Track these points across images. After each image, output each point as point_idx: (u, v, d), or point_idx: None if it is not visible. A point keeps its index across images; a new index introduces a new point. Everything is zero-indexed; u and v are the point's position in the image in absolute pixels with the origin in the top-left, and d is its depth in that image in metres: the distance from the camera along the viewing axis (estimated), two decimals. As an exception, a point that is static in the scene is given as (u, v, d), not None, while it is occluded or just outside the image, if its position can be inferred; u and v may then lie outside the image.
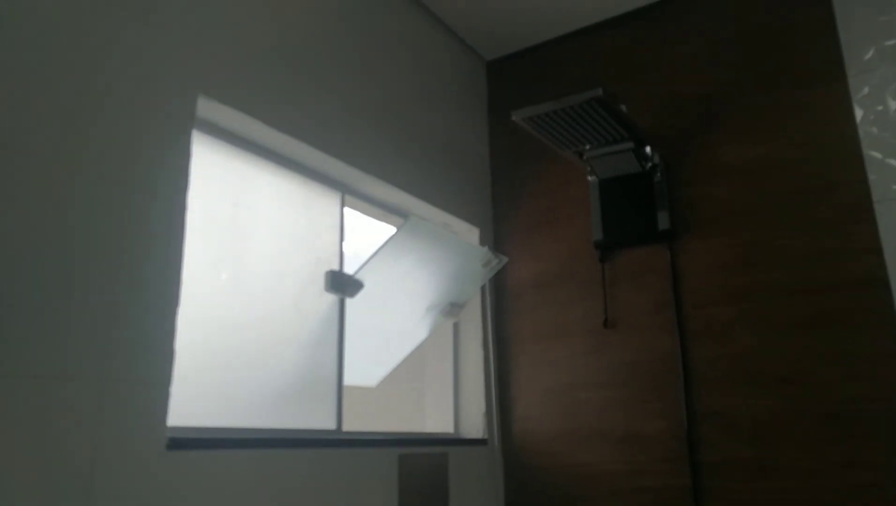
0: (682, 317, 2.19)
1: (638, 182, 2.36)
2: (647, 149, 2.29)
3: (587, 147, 2.26)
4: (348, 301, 2.03)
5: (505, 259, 2.40)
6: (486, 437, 2.38)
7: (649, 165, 2.32)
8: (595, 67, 2.60)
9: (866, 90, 2.05)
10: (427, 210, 2.40)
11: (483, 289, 2.53)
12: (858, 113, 2.04)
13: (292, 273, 1.91)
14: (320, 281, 1.97)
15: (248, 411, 1.70)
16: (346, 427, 1.94)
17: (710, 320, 2.13)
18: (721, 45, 2.34)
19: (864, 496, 1.80)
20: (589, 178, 2.43)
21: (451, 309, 2.38)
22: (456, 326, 2.55)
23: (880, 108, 2.01)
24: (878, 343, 1.86)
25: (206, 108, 1.65)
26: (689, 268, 2.22)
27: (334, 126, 2.00)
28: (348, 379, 1.98)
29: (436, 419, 2.45)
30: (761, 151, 2.18)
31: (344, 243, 2.09)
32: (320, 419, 1.88)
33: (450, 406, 2.43)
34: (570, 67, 2.66)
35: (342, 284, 2.00)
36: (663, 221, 2.28)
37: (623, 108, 2.07)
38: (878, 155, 1.98)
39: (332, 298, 2.00)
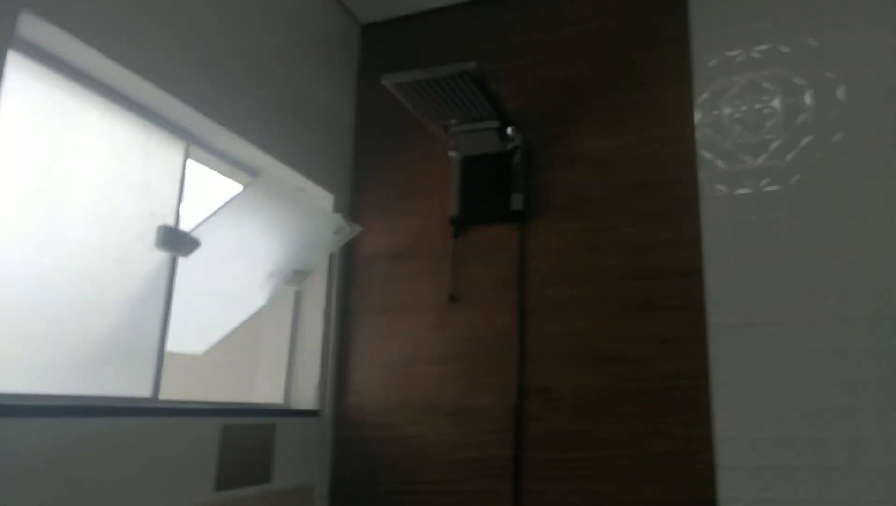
0: (525, 296, 2.26)
1: (498, 162, 2.39)
2: (510, 130, 2.33)
3: (453, 122, 2.27)
4: (181, 261, 1.90)
5: (358, 228, 2.36)
6: (317, 408, 2.34)
7: (510, 146, 2.36)
8: (470, 43, 2.59)
9: (706, 95, 2.19)
10: (280, 170, 2.29)
11: (331, 258, 2.47)
12: (697, 115, 2.18)
13: (120, 226, 1.75)
14: (152, 236, 1.83)
15: (53, 375, 1.54)
16: (168, 396, 1.82)
17: (549, 300, 2.22)
18: (589, 37, 2.41)
19: (661, 462, 1.97)
20: (451, 153, 2.44)
21: (295, 276, 2.30)
22: (298, 295, 2.46)
23: (716, 112, 2.16)
24: (688, 327, 2.03)
25: (30, 26, 1.44)
26: (536, 249, 2.29)
27: (186, 68, 1.84)
28: (172, 345, 1.85)
29: (266, 390, 2.37)
30: (614, 143, 2.28)
31: (184, 198, 1.95)
32: (135, 387, 1.74)
33: (282, 377, 2.36)
34: (446, 40, 2.64)
35: (176, 242, 1.86)
36: (517, 203, 2.33)
37: (493, 86, 2.08)
38: (708, 155, 2.14)
39: (162, 256, 1.86)
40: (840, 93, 2.03)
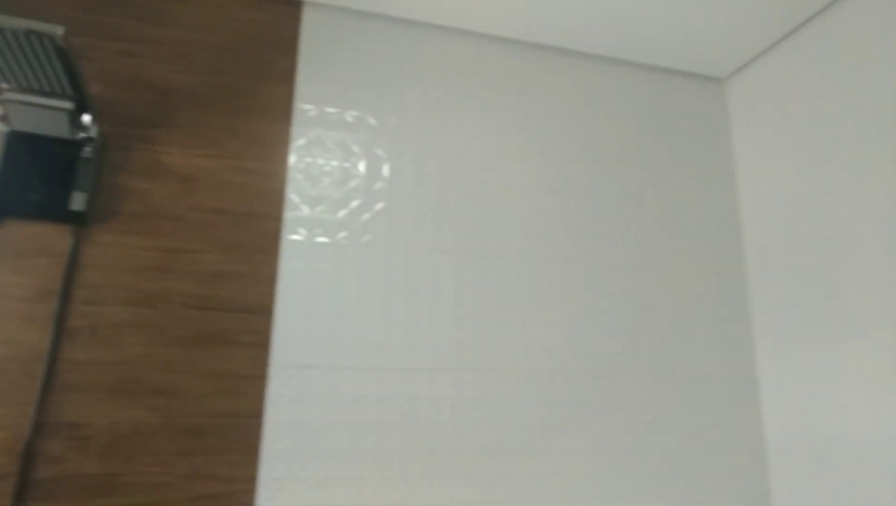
0: (67, 313, 1.91)
1: (61, 149, 2.01)
2: (87, 118, 2.00)
3: (6, 86, 1.83)
4: None
5: None
6: None
7: (82, 135, 2.02)
8: (56, 3, 2.15)
9: (302, 141, 2.29)
10: None
11: None
12: (292, 158, 2.26)
13: None
14: None
15: None
16: None
17: (100, 322, 1.92)
18: (198, 47, 2.27)
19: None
20: (-4, 123, 1.95)
21: None
22: None
23: (308, 160, 2.28)
24: (251, 364, 2.01)
25: None
26: (93, 259, 1.97)
27: None
28: None
29: None
30: (205, 163, 2.17)
31: None
32: None
33: None
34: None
35: None
36: (78, 202, 1.98)
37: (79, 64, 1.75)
38: (296, 199, 2.22)
39: None
40: (409, 170, 2.38)
